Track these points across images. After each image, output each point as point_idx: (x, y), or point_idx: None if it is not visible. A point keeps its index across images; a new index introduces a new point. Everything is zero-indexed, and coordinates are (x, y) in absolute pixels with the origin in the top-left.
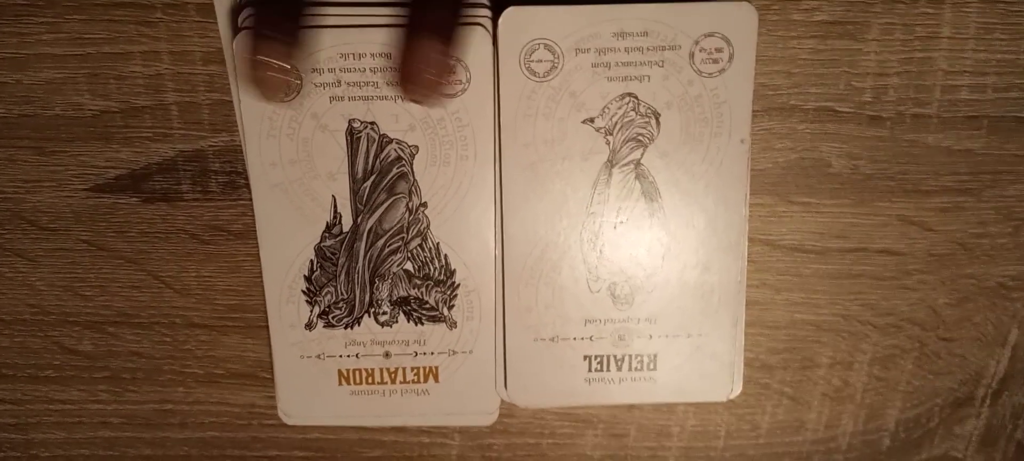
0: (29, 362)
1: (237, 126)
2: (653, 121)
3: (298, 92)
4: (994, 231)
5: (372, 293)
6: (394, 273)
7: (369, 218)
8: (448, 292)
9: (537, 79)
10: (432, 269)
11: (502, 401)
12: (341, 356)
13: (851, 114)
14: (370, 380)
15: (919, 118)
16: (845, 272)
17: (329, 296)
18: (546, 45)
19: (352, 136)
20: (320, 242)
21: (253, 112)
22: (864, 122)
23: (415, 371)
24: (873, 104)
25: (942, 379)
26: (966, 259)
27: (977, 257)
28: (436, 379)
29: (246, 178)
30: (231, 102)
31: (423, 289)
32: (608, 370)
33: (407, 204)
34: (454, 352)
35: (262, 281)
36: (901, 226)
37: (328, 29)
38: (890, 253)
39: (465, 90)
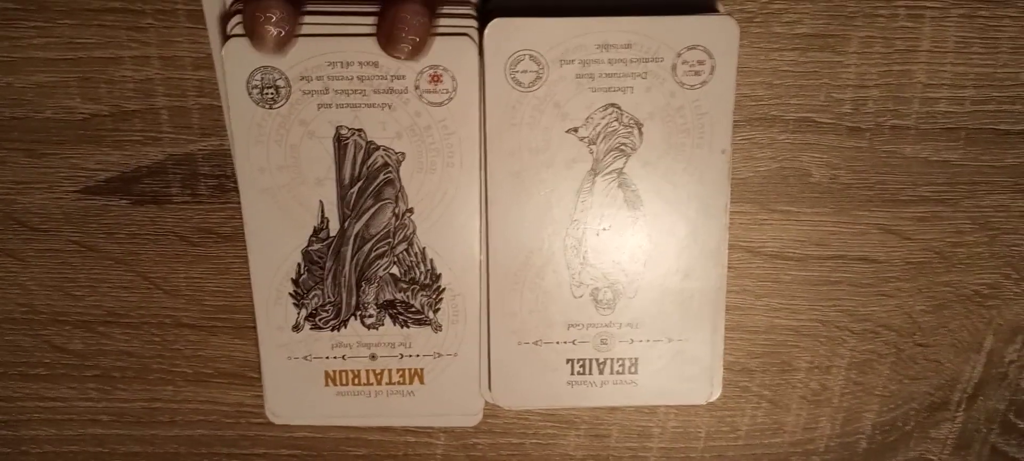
0: (20, 360)
1: (226, 131)
2: (636, 131)
3: (289, 46)
4: (970, 240)
5: (359, 296)
6: (380, 277)
7: (356, 223)
8: (433, 296)
9: (522, 89)
10: (418, 273)
11: (486, 402)
12: (328, 358)
13: (831, 125)
14: (356, 381)
15: (898, 129)
16: (824, 279)
17: (316, 299)
18: (531, 56)
19: (339, 142)
20: (307, 246)
21: (242, 118)
22: (844, 133)
23: (401, 373)
24: (853, 115)
25: (918, 384)
26: (942, 267)
27: (953, 265)
28: (421, 381)
29: (235, 182)
30: (220, 107)
31: (409, 293)
32: (590, 373)
33: (393, 210)
34: (439, 354)
35: (250, 283)
36: (879, 235)
37: (316, 38)
38: (868, 261)
39: (451, 99)
